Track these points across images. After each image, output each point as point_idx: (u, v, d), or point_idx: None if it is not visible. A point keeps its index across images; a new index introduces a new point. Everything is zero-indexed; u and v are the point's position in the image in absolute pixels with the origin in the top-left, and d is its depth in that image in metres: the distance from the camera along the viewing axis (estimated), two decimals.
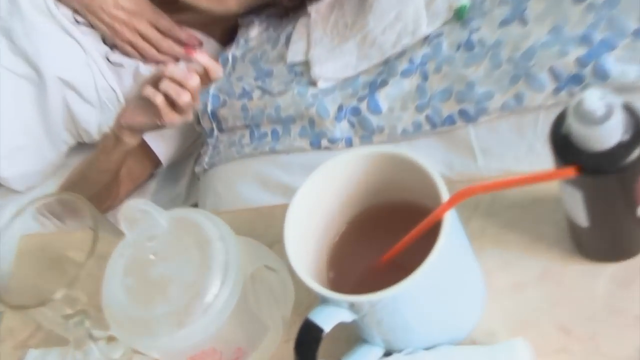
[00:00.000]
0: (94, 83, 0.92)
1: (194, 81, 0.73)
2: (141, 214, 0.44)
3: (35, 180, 0.95)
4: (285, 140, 0.76)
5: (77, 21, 0.93)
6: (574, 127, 0.35)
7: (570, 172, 0.34)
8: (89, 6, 0.92)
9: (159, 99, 0.73)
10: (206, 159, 0.84)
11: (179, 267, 0.44)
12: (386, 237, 0.42)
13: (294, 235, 0.41)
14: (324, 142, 0.73)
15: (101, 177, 0.87)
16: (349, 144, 0.71)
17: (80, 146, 0.97)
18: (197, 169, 0.87)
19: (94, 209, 0.53)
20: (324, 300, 0.39)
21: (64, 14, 0.92)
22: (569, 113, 0.36)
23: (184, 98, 0.72)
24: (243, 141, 0.80)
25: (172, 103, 0.73)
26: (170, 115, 0.74)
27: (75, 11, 0.93)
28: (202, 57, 0.74)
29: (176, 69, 0.72)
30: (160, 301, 0.43)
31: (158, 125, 0.77)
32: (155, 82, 0.74)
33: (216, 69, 0.74)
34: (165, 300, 0.43)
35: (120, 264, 0.45)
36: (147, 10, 0.94)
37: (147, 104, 0.75)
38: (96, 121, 0.93)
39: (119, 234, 0.47)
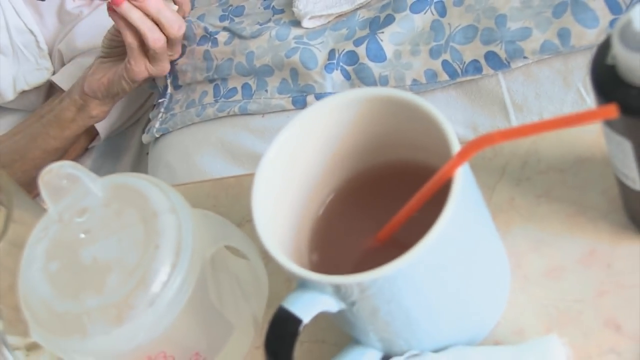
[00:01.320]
0: (4, 22, 0.93)
1: (180, 29, 0.76)
2: (68, 181, 0.47)
3: None
4: (259, 98, 0.78)
5: None
6: (621, 55, 0.37)
7: (613, 111, 0.36)
8: None
9: (130, 37, 0.75)
10: (157, 124, 0.87)
11: (118, 248, 0.46)
12: (384, 208, 0.44)
13: (265, 206, 0.43)
14: (311, 100, 0.75)
15: (46, 158, 0.88)
16: None
17: None
18: (146, 139, 0.89)
19: (11, 181, 0.55)
20: (302, 285, 0.41)
21: None
22: (614, 39, 0.38)
23: (157, 40, 0.74)
24: (205, 100, 0.82)
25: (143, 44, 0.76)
26: (140, 63, 0.77)
27: None
28: None
29: (164, 7, 0.75)
30: (93, 291, 0.45)
31: (128, 83, 0.79)
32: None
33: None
34: (101, 290, 0.45)
35: (41, 246, 0.47)
36: None
37: (113, 54, 0.76)
38: (9, 74, 0.94)
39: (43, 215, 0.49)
